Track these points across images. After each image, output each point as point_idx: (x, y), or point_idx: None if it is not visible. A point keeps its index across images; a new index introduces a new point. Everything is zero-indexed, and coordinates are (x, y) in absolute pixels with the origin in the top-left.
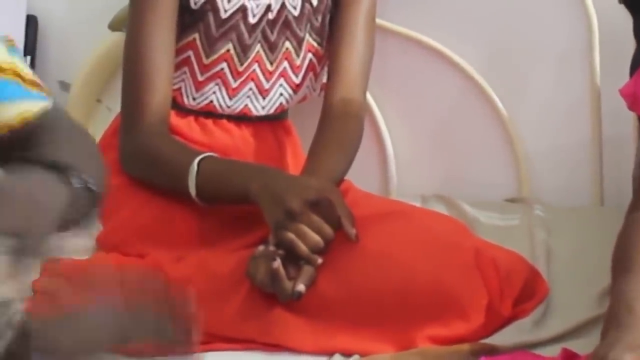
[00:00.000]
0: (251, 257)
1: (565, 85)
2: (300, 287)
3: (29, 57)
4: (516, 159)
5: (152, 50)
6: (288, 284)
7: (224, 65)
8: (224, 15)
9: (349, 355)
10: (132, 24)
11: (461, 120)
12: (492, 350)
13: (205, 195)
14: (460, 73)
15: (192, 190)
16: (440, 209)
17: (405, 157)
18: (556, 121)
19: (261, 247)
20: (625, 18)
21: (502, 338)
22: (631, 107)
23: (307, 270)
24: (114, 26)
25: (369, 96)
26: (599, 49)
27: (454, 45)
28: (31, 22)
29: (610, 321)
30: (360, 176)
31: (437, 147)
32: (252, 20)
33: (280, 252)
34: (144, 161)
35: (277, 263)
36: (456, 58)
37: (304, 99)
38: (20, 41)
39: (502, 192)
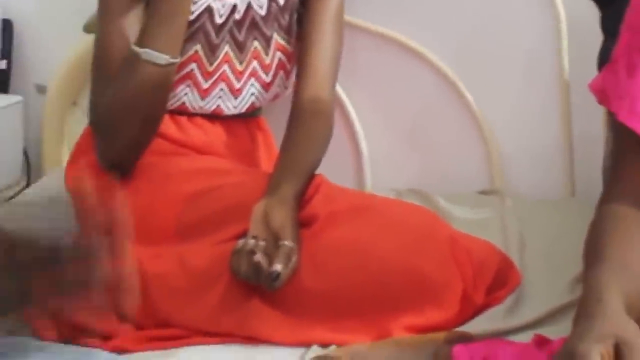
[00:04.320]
0: (232, 251)
1: (535, 79)
2: (277, 267)
3: (5, 61)
4: (488, 153)
5: (116, 37)
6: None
7: (194, 66)
8: (190, 17)
9: (326, 346)
10: (100, 17)
11: (433, 116)
12: (467, 338)
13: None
14: (432, 69)
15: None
16: (414, 202)
17: (379, 152)
18: (527, 115)
19: (241, 241)
20: (592, 12)
21: (477, 326)
22: (601, 102)
23: (284, 250)
24: (88, 29)
25: (342, 93)
26: (567, 43)
27: (424, 41)
28: (7, 26)
29: (580, 311)
30: (335, 172)
31: (410, 143)
32: (218, 20)
33: (261, 243)
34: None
35: (259, 256)
36: (427, 54)
37: (276, 97)
38: None
39: (476, 186)
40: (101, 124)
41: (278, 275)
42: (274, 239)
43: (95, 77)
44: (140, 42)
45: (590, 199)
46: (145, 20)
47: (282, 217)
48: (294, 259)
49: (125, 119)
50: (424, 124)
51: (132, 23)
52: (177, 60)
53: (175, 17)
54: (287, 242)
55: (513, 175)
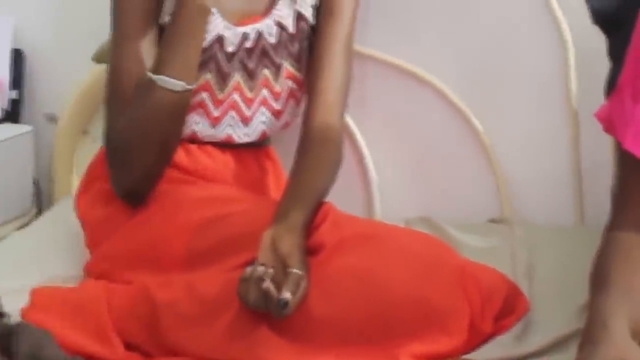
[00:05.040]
0: (241, 279)
1: (544, 108)
2: (286, 295)
3: (15, 91)
4: (497, 181)
5: (130, 63)
6: None
7: (205, 94)
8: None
9: None
10: (114, 43)
11: (442, 144)
12: None
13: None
14: (441, 97)
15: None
16: (424, 231)
17: (389, 181)
18: (536, 143)
19: (249, 269)
20: (600, 40)
21: (485, 354)
22: (607, 130)
23: (293, 278)
24: (97, 58)
25: (351, 122)
26: (575, 71)
27: (433, 70)
28: (18, 56)
29: (585, 336)
30: (344, 201)
31: (420, 171)
32: (229, 49)
33: (270, 271)
34: (126, 130)
35: (267, 283)
36: (436, 82)
37: (286, 125)
38: (5, 75)
39: (485, 214)
40: (115, 151)
41: (287, 303)
42: (283, 267)
43: (109, 104)
44: (156, 69)
45: (599, 226)
46: (160, 47)
47: (290, 244)
48: (302, 286)
49: (139, 146)
50: (433, 152)
51: (146, 48)
52: (193, 86)
53: (189, 43)
54: (296, 270)
55: (522, 203)
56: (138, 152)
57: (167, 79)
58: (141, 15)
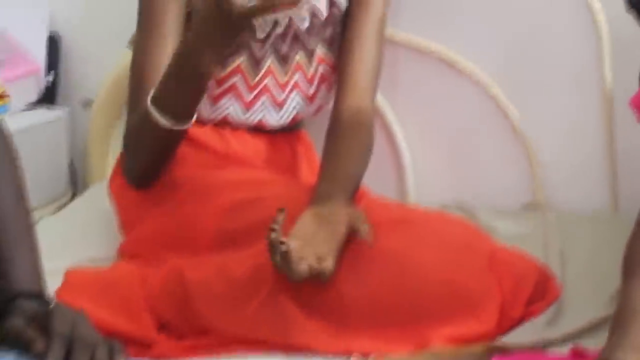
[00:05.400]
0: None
1: (578, 94)
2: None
3: (52, 74)
4: (531, 167)
5: (154, 57)
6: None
7: (237, 78)
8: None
9: (366, 355)
10: (137, 41)
11: (476, 129)
12: (505, 349)
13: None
14: (474, 82)
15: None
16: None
17: (422, 166)
18: (571, 129)
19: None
20: (635, 27)
21: (516, 337)
22: None
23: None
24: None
25: (384, 106)
26: (610, 57)
27: (466, 55)
28: (54, 40)
29: (616, 323)
30: (378, 186)
31: (453, 156)
32: (260, 35)
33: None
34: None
35: (273, 234)
36: (469, 67)
37: (319, 109)
38: (42, 59)
39: (518, 200)
40: (123, 142)
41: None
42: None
43: (129, 96)
44: (154, 96)
45: (633, 213)
46: (164, 74)
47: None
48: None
49: (134, 148)
50: (467, 137)
51: (168, 44)
52: (183, 127)
53: (189, 86)
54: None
55: (556, 189)
56: (133, 152)
57: (158, 111)
58: (166, 9)
